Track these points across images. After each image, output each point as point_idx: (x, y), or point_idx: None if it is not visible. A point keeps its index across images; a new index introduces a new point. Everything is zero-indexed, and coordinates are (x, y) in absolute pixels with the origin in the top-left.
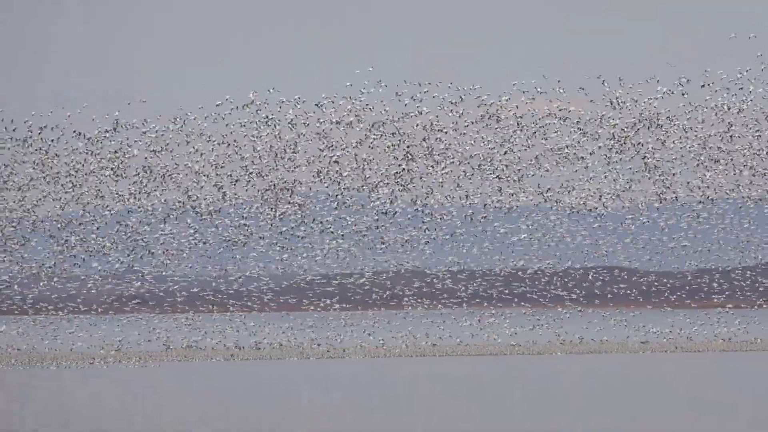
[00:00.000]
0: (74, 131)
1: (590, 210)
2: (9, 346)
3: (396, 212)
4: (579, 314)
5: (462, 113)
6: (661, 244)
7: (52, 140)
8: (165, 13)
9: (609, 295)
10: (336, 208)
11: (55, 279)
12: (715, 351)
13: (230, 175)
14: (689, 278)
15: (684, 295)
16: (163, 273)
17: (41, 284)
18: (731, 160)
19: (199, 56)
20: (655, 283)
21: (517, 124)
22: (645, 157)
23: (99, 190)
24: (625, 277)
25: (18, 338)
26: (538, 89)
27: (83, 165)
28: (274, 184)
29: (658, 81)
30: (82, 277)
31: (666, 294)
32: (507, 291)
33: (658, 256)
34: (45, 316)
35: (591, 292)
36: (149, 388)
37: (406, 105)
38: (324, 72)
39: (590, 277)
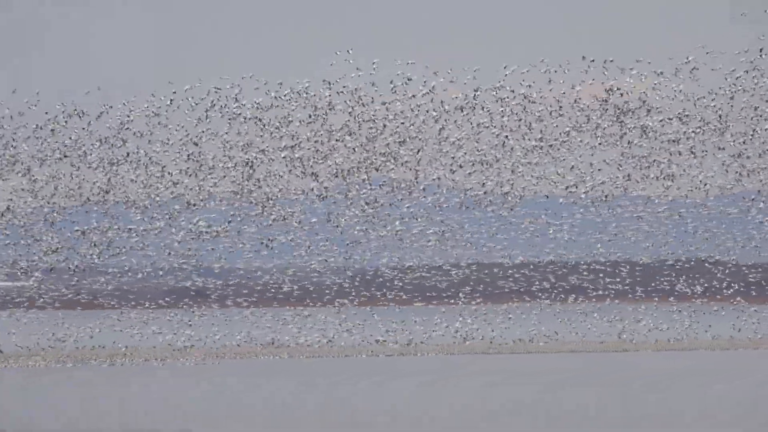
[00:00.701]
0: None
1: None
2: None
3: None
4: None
5: (435, 100)
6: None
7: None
8: (164, 10)
9: (728, 290)
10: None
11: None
12: None
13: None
14: None
15: None
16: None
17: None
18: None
19: (201, 51)
20: None
21: (517, 110)
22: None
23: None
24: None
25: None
26: (546, 69)
27: (51, 153)
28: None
29: (650, 62)
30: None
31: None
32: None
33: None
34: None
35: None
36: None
37: (394, 90)
38: (322, 72)
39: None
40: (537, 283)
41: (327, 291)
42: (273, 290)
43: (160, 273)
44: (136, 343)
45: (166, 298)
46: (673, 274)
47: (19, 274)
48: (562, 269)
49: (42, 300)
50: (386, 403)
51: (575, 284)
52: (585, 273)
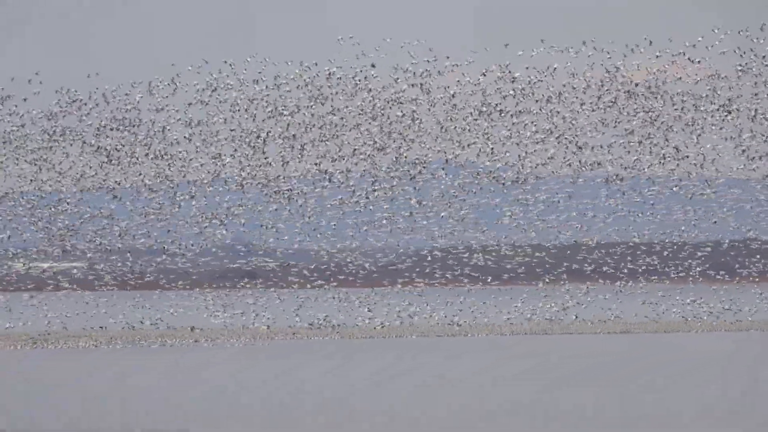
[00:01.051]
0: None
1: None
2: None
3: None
4: None
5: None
6: None
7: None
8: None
9: None
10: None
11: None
12: None
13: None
14: None
15: None
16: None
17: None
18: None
19: (202, 45)
20: None
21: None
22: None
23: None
24: None
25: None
26: (557, 49)
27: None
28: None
29: (651, 43)
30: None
31: None
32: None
33: None
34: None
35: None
36: None
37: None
38: (327, 54)
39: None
40: (610, 264)
41: (407, 272)
42: (345, 271)
43: (214, 251)
44: (200, 324)
45: (236, 281)
46: (758, 256)
47: (47, 251)
48: (636, 250)
49: (101, 280)
50: (385, 403)
51: (653, 266)
52: (666, 254)
